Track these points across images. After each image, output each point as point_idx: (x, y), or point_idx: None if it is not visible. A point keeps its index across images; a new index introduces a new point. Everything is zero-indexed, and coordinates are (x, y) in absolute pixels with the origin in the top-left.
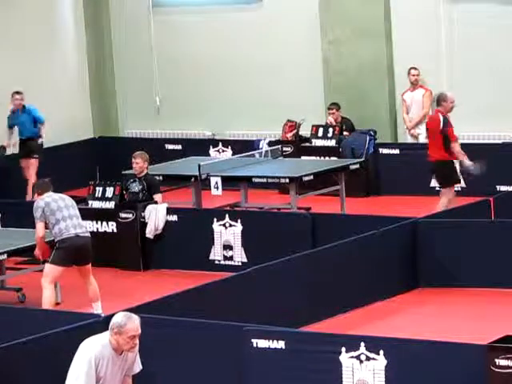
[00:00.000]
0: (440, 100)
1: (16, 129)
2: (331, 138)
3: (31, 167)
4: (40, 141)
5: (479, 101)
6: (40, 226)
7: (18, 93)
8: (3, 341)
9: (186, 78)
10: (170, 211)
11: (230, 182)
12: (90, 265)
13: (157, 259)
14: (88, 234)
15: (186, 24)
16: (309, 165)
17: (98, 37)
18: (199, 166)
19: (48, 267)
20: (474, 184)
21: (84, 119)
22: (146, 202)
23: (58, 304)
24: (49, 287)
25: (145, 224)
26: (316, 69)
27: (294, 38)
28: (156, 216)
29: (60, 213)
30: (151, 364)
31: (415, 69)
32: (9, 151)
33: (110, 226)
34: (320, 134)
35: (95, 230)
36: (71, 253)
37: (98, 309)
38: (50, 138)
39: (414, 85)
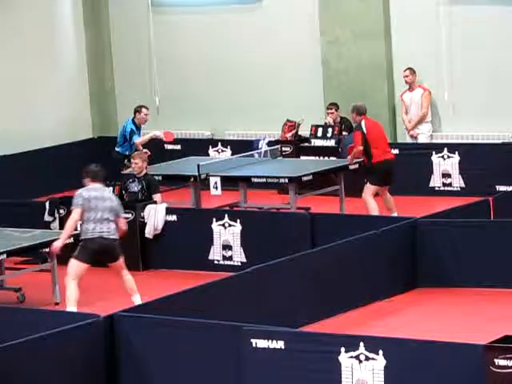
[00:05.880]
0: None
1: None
2: (330, 138)
3: None
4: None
5: (479, 101)
6: (77, 211)
7: (146, 108)
8: (3, 341)
9: (185, 78)
10: (169, 211)
11: (229, 182)
12: (121, 261)
13: (156, 259)
14: (113, 237)
15: (185, 24)
16: (308, 165)
17: (97, 37)
18: (198, 166)
19: (71, 263)
20: (474, 184)
21: (83, 119)
22: (145, 202)
23: (57, 304)
24: (71, 283)
25: (144, 224)
26: (315, 69)
27: (294, 38)
28: (155, 216)
29: (94, 213)
30: (151, 364)
31: (407, 69)
32: None
33: None
34: (319, 133)
35: None
36: (92, 253)
37: (137, 301)
38: (49, 138)
39: (410, 85)
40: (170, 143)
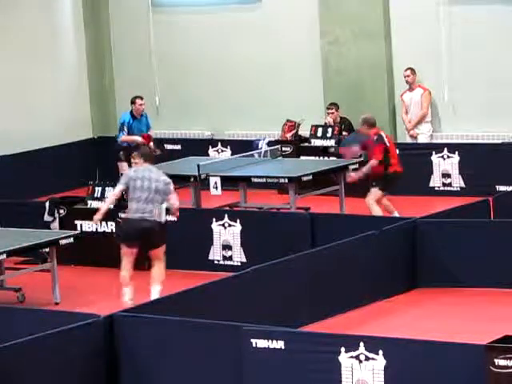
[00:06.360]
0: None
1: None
2: (330, 138)
3: None
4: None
5: (479, 101)
6: (118, 188)
7: (141, 98)
8: (3, 341)
9: (185, 78)
10: (169, 211)
11: (229, 182)
12: (160, 250)
13: None
14: (154, 219)
15: (185, 24)
16: (308, 165)
17: (97, 37)
18: (198, 166)
19: (121, 248)
20: (474, 184)
21: (83, 119)
22: None
23: (57, 304)
24: (122, 263)
25: None
26: (315, 69)
27: (294, 37)
28: None
29: (138, 193)
30: (151, 364)
31: (408, 69)
32: None
33: (110, 226)
34: (319, 133)
35: (94, 230)
36: (129, 233)
37: (155, 292)
38: (49, 138)
39: (411, 85)
40: (148, 142)
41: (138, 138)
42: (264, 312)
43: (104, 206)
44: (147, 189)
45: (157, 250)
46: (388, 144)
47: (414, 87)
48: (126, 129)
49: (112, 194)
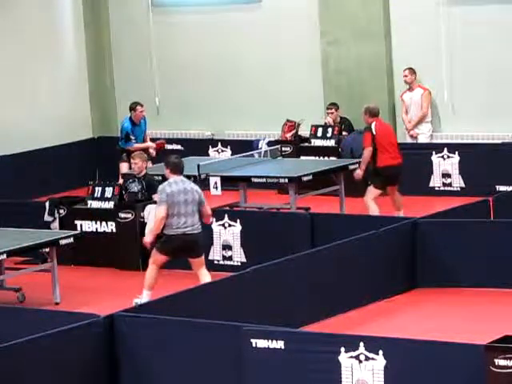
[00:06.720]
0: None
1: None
2: (330, 138)
3: None
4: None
5: (479, 100)
6: (163, 208)
7: (141, 105)
8: (3, 341)
9: (185, 78)
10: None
11: (229, 182)
12: (201, 258)
13: None
14: (197, 231)
15: (185, 24)
16: (308, 165)
17: (97, 37)
18: (198, 166)
19: (154, 252)
20: (474, 184)
21: (83, 119)
22: (145, 202)
23: (57, 304)
24: (151, 267)
25: (144, 224)
26: (315, 69)
27: (294, 38)
28: None
29: (178, 208)
30: (151, 364)
31: (407, 69)
32: None
33: (110, 226)
34: (319, 134)
35: (94, 230)
36: (173, 249)
37: None
38: (49, 138)
39: (410, 85)
40: (160, 149)
41: (153, 145)
42: (264, 312)
43: (153, 233)
44: (184, 202)
45: (199, 258)
46: (375, 133)
47: (414, 87)
48: (132, 137)
49: (159, 218)
